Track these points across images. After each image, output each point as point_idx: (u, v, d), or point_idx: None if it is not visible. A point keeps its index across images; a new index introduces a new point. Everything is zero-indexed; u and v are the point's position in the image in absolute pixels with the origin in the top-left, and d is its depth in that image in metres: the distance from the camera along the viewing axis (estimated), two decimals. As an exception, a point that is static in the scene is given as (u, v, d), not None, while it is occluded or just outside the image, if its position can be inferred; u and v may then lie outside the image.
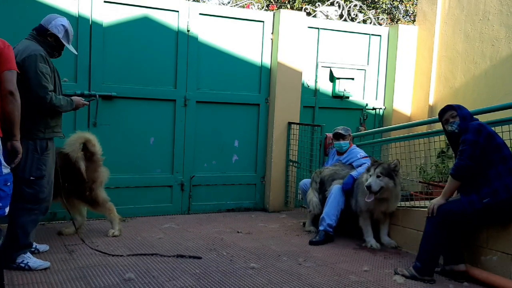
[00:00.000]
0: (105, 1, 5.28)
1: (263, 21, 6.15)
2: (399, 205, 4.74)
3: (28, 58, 3.51)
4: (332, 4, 7.03)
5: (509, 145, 3.81)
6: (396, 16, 12.60)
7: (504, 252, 3.65)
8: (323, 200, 5.03)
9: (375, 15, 9.13)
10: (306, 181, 5.51)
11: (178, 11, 5.65)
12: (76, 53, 4.17)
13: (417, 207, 4.65)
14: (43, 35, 3.74)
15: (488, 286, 3.63)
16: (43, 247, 4.09)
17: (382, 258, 4.35)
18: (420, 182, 5.62)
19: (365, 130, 6.65)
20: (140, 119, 5.57)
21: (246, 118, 6.18)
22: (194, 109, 5.83)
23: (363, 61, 6.90)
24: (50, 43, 3.76)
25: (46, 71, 3.58)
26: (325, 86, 6.67)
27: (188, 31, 5.72)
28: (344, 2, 7.30)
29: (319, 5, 6.95)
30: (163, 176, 5.76)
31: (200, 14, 5.79)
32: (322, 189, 5.10)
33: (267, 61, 6.20)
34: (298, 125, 6.21)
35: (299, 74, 6.27)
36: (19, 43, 3.68)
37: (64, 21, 3.81)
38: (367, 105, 6.94)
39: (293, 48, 6.15)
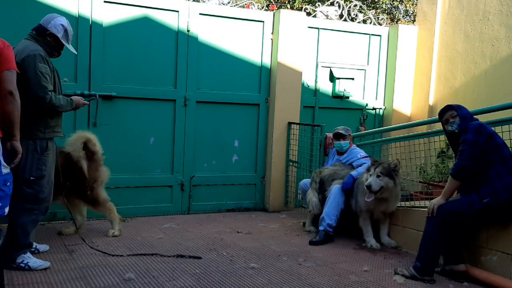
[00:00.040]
0: (105, 1, 5.28)
1: (263, 21, 6.15)
2: (399, 205, 4.74)
3: (27, 58, 3.51)
4: (332, 4, 7.03)
5: (509, 145, 3.81)
6: (396, 16, 12.60)
7: (504, 252, 3.65)
8: (323, 200, 5.03)
9: (375, 15, 9.13)
10: (306, 181, 5.51)
11: (178, 11, 5.65)
12: (76, 52, 4.16)
13: (417, 207, 4.65)
14: (42, 35, 3.73)
15: (488, 286, 3.63)
16: (43, 247, 4.09)
17: (382, 258, 4.35)
18: (420, 182, 5.62)
19: (365, 130, 6.65)
20: (140, 119, 5.57)
21: (246, 118, 6.18)
22: (194, 109, 5.83)
23: (363, 61, 6.90)
24: (50, 43, 3.76)
25: (46, 71, 3.58)
26: (325, 86, 6.67)
27: (188, 31, 5.72)
28: (344, 2, 7.30)
29: (319, 5, 6.95)
30: (163, 176, 5.76)
31: (200, 14, 5.79)
32: (322, 189, 5.10)
33: (267, 61, 6.20)
34: (298, 125, 6.21)
35: (299, 74, 6.27)
36: (19, 43, 3.68)
37: (63, 21, 3.80)
38: (367, 105, 6.94)
39: (293, 48, 6.15)
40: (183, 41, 5.70)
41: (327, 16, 6.93)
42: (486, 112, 4.27)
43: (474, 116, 3.87)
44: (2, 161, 3.07)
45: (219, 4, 11.24)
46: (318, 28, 6.53)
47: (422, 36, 6.92)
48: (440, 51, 6.71)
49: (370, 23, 7.02)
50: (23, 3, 4.92)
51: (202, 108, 5.88)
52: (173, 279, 3.56)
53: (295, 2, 11.48)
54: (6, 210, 3.10)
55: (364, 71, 6.88)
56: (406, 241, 4.58)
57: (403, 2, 12.49)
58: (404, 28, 6.97)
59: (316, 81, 6.59)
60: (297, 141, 6.21)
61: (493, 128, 3.82)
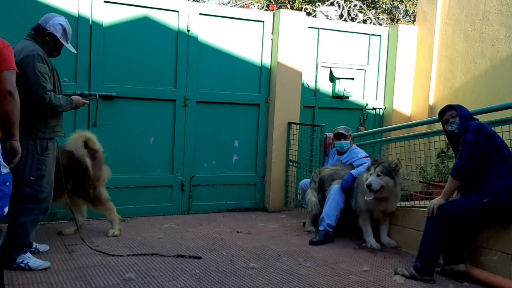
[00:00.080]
0: (105, 1, 5.28)
1: (263, 21, 6.15)
2: (399, 205, 4.74)
3: (26, 58, 3.51)
4: (332, 4, 7.03)
5: (509, 145, 3.81)
6: (396, 16, 12.60)
7: (504, 252, 3.65)
8: (322, 200, 5.03)
9: (375, 15, 9.13)
10: (306, 181, 5.51)
11: (178, 11, 5.65)
12: (75, 52, 4.16)
13: (417, 207, 4.65)
14: (41, 34, 3.73)
15: (488, 286, 3.63)
16: (43, 247, 4.09)
17: (382, 258, 4.35)
18: (420, 182, 5.62)
19: (365, 130, 6.65)
20: (140, 119, 5.57)
21: (246, 118, 6.18)
22: (194, 109, 5.83)
23: (363, 61, 6.90)
24: (49, 42, 3.75)
25: (45, 70, 3.58)
26: (325, 86, 6.67)
27: (188, 31, 5.72)
28: (344, 2, 7.30)
29: (319, 5, 6.95)
30: (163, 176, 5.76)
31: (200, 14, 5.79)
32: (322, 188, 5.10)
33: (267, 61, 6.20)
34: (298, 125, 6.21)
35: (299, 74, 6.27)
36: (18, 43, 3.68)
37: (62, 20, 3.80)
38: (367, 105, 6.94)
39: (293, 48, 6.15)
40: (183, 41, 5.70)
41: (327, 16, 6.93)
42: (486, 112, 4.27)
43: (474, 116, 3.86)
44: (2, 161, 3.07)
45: (219, 4, 11.24)
46: (318, 28, 6.53)
47: (422, 36, 6.92)
48: (440, 51, 6.71)
49: (370, 23, 7.02)
50: (23, 3, 4.93)
51: (202, 108, 5.88)
52: (173, 279, 3.56)
53: (295, 2, 11.48)
54: (6, 210, 3.11)
55: (364, 71, 6.88)
56: (406, 241, 4.58)
57: (403, 2, 12.49)
58: (404, 28, 6.97)
59: (316, 81, 6.59)
60: (297, 141, 6.21)
61: (493, 128, 3.82)
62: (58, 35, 3.75)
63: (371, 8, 11.75)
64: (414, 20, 10.39)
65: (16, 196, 3.42)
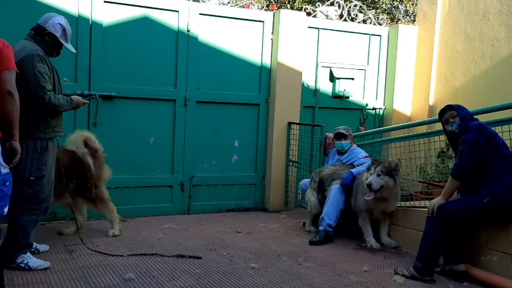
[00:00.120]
0: (105, 1, 5.28)
1: (263, 21, 6.15)
2: (399, 205, 4.74)
3: (25, 58, 3.51)
4: (332, 4, 7.03)
5: (509, 145, 3.81)
6: (396, 16, 12.60)
7: (504, 252, 3.65)
8: (322, 200, 5.03)
9: (375, 15, 9.13)
10: (306, 181, 5.51)
11: (178, 11, 5.65)
12: (75, 51, 4.15)
13: (417, 207, 4.65)
14: (40, 34, 3.73)
15: (488, 286, 3.63)
16: (43, 247, 4.09)
17: (382, 258, 4.35)
18: (420, 182, 5.62)
19: (365, 130, 6.65)
20: (140, 119, 5.57)
21: (246, 118, 6.18)
22: (194, 109, 5.83)
23: (363, 61, 6.90)
24: (48, 42, 3.75)
25: (44, 70, 3.57)
26: (325, 86, 6.67)
27: (188, 31, 5.72)
28: (344, 2, 7.30)
29: (319, 5, 6.95)
30: (163, 176, 5.76)
31: (200, 14, 5.79)
32: (322, 188, 5.10)
33: (267, 61, 6.20)
34: (298, 125, 6.21)
35: (299, 74, 6.27)
36: (18, 43, 3.68)
37: (62, 20, 3.79)
38: (367, 105, 6.94)
39: (293, 48, 6.15)
40: (183, 41, 5.70)
41: (327, 16, 6.93)
42: (486, 112, 4.27)
43: (474, 116, 3.86)
44: (2, 161, 3.07)
45: (219, 4, 11.24)
46: (318, 28, 6.53)
47: (422, 36, 6.92)
48: (440, 51, 6.71)
49: (370, 23, 7.02)
50: (23, 3, 4.93)
51: (202, 108, 5.88)
52: (173, 279, 3.56)
53: (295, 2, 11.48)
54: (6, 210, 3.11)
55: (364, 71, 6.88)
56: (406, 241, 4.58)
57: (403, 2, 12.49)
58: (404, 28, 6.97)
59: (316, 81, 6.59)
60: (297, 141, 6.21)
61: (493, 128, 3.82)
62: (58, 35, 3.75)
63: (371, 8, 11.75)
64: (414, 20, 10.39)
65: (16, 196, 3.42)
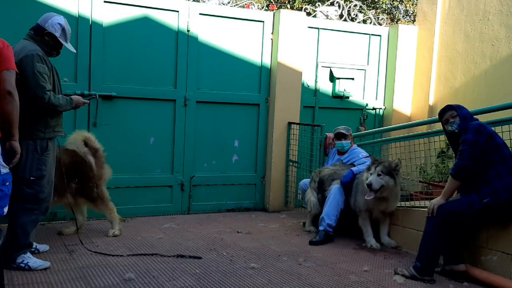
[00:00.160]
0: (105, 1, 5.28)
1: (263, 21, 6.15)
2: (399, 205, 4.74)
3: (25, 58, 3.51)
4: (332, 4, 7.03)
5: (509, 145, 3.81)
6: (396, 16, 12.60)
7: (504, 252, 3.65)
8: (322, 200, 5.03)
9: (375, 15, 9.13)
10: (306, 181, 5.51)
11: (178, 11, 5.65)
12: (75, 51, 4.15)
13: (417, 207, 4.65)
14: (40, 34, 3.72)
15: (488, 286, 3.63)
16: (43, 247, 4.09)
17: (382, 258, 4.35)
18: (420, 182, 5.62)
19: (365, 130, 6.65)
20: (140, 119, 5.57)
21: (246, 118, 6.18)
22: (194, 109, 5.83)
23: (363, 61, 6.90)
24: (48, 42, 3.75)
25: (44, 70, 3.57)
26: (325, 86, 6.67)
27: (188, 31, 5.72)
28: (344, 2, 7.30)
29: (319, 5, 6.95)
30: (163, 176, 5.76)
31: (200, 14, 5.79)
32: (322, 188, 5.10)
33: (267, 61, 6.20)
34: (298, 125, 6.21)
35: (299, 74, 6.26)
36: (18, 43, 3.68)
37: (61, 20, 3.79)
38: (367, 105, 6.94)
39: (293, 48, 6.15)
40: (183, 41, 5.70)
41: (327, 16, 6.93)
42: (486, 112, 4.27)
43: (474, 116, 3.86)
44: (1, 161, 3.07)
45: (219, 4, 11.24)
46: (318, 28, 6.53)
47: (422, 36, 6.92)
48: (440, 51, 6.70)
49: (370, 23, 7.02)
50: (23, 3, 4.93)
51: (202, 108, 5.88)
52: (173, 279, 3.56)
53: (295, 2, 11.48)
54: (5, 210, 3.11)
55: (364, 71, 6.88)
56: (406, 241, 4.58)
57: (403, 2, 12.49)
58: (404, 28, 6.97)
59: (316, 81, 6.59)
60: (297, 141, 6.21)
61: (493, 128, 3.82)
62: (57, 34, 3.75)
63: (371, 8, 11.75)
64: (414, 20, 10.39)
65: (16, 196, 3.42)
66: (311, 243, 4.71)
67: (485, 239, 3.79)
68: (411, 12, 12.32)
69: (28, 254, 3.67)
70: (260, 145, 6.27)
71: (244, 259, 4.14)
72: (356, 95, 6.80)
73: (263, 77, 6.20)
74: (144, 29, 5.52)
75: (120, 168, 5.29)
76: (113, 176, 4.82)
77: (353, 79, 6.67)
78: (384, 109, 7.03)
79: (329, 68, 6.64)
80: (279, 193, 6.26)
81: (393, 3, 12.55)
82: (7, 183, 3.10)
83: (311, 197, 5.13)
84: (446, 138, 4.09)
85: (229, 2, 8.02)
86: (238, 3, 6.57)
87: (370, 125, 6.91)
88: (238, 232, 5.09)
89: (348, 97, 6.75)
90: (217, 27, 5.91)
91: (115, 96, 5.38)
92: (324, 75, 6.65)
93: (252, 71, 6.15)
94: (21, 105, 3.29)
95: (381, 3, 12.25)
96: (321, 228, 4.82)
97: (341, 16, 6.94)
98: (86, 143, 4.44)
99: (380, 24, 7.10)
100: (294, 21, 6.14)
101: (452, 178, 3.72)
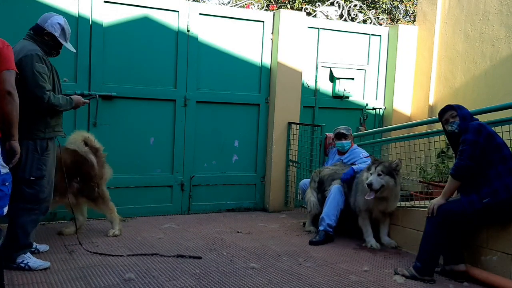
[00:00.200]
0: (105, 1, 5.28)
1: (263, 21, 6.15)
2: (399, 205, 4.74)
3: (24, 58, 3.50)
4: (332, 4, 7.03)
5: (509, 145, 3.81)
6: (396, 16, 12.60)
7: (504, 252, 3.65)
8: (322, 200, 5.03)
9: (375, 15, 9.13)
10: (306, 181, 5.51)
11: (178, 11, 5.65)
12: (75, 51, 4.14)
13: (417, 207, 4.65)
14: (40, 34, 3.72)
15: (488, 286, 3.63)
16: (43, 247, 4.09)
17: (382, 258, 4.35)
18: (420, 182, 5.62)
19: (365, 130, 6.65)
20: (140, 119, 5.57)
21: (246, 118, 6.18)
22: (194, 109, 5.83)
23: (363, 61, 6.90)
24: (47, 42, 3.75)
25: (43, 70, 3.57)
26: (325, 86, 6.67)
27: (188, 31, 5.72)
28: (344, 2, 7.30)
29: (319, 5, 6.95)
30: (163, 176, 5.76)
31: (200, 14, 5.79)
32: (322, 188, 5.10)
33: (267, 61, 6.20)
34: (298, 125, 6.21)
35: (299, 74, 6.26)
36: (17, 43, 3.67)
37: (60, 19, 3.79)
38: (367, 105, 6.94)
39: (293, 48, 6.15)
40: (183, 41, 5.70)
41: (327, 16, 6.93)
42: (486, 112, 4.27)
43: (474, 116, 3.86)
44: (1, 161, 3.07)
45: (219, 4, 11.24)
46: (318, 28, 6.53)
47: (422, 36, 6.92)
48: (440, 51, 6.70)
49: (370, 23, 7.02)
50: (23, 3, 4.93)
51: (202, 108, 5.88)
52: (173, 279, 3.56)
53: (295, 2, 11.48)
54: (5, 210, 3.11)
55: (364, 71, 6.88)
56: (406, 241, 4.58)
57: (403, 2, 12.49)
58: (404, 28, 6.97)
59: (316, 81, 6.59)
60: (297, 141, 6.21)
61: (493, 128, 3.82)
62: (57, 34, 3.74)
63: (371, 8, 11.75)
64: (414, 20, 10.39)
65: (16, 196, 3.42)
66: (311, 243, 4.71)
67: (485, 239, 3.79)
68: (411, 12, 12.32)
69: (28, 254, 3.67)
70: (260, 145, 6.27)
71: (244, 259, 4.14)
72: (356, 95, 6.80)
73: (263, 77, 6.20)
74: (144, 29, 5.52)
75: (120, 168, 5.28)
76: (113, 176, 4.82)
77: (353, 79, 6.67)
78: (384, 109, 7.03)
79: (329, 68, 6.64)
80: (279, 193, 6.26)
81: (393, 3, 12.55)
82: (7, 183, 3.10)
83: (311, 197, 5.13)
84: (446, 138, 4.09)
85: (229, 2, 8.02)
86: (238, 3, 6.57)
87: (370, 125, 6.91)
88: (238, 232, 5.09)
89: (348, 97, 6.75)
90: (217, 27, 5.91)
91: (115, 96, 5.38)
92: (324, 75, 6.65)
93: (252, 71, 6.15)
94: (21, 105, 3.29)
95: (381, 3, 12.25)
96: (321, 228, 4.82)
97: (341, 16, 6.94)
98: (86, 143, 4.45)
99: (380, 24, 7.10)
100: (294, 21, 6.14)
101: (452, 178, 3.72)
